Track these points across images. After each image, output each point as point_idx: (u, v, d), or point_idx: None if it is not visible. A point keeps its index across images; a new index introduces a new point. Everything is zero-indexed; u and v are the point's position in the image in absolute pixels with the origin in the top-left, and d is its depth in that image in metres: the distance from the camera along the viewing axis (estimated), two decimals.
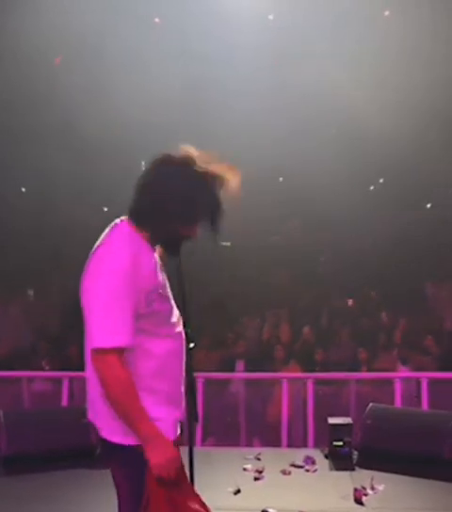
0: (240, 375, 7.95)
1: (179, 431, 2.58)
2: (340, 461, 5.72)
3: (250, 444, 7.08)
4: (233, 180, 2.61)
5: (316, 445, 6.45)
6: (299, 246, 13.12)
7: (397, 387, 6.74)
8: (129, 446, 2.44)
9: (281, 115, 12.24)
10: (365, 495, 4.94)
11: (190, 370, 2.67)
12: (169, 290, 2.57)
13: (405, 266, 11.95)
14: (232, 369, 8.23)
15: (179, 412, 2.57)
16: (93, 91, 11.11)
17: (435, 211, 13.27)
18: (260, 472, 5.53)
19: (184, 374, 2.61)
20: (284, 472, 5.57)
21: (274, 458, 5.89)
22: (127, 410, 2.39)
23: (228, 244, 13.47)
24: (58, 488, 5.28)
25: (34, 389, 7.41)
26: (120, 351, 2.37)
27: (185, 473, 2.63)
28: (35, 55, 10.98)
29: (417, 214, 13.57)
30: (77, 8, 10.92)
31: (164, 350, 2.50)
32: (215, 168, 2.55)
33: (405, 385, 6.96)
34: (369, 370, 7.85)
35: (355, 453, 5.81)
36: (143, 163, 2.57)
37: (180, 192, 2.45)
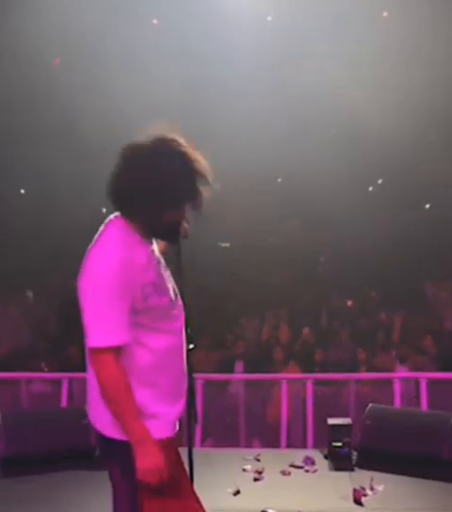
0: (239, 376, 7.95)
1: (177, 428, 2.58)
2: (339, 462, 5.71)
3: (249, 445, 7.08)
4: (203, 161, 2.55)
5: (316, 446, 6.44)
6: (299, 246, 13.12)
7: (397, 387, 6.74)
8: (128, 442, 2.43)
9: (280, 115, 12.23)
10: (365, 495, 4.95)
11: (190, 371, 2.68)
12: (168, 283, 2.57)
13: (405, 267, 11.95)
14: (231, 370, 8.23)
15: (178, 408, 2.57)
16: (93, 91, 11.11)
17: (435, 211, 13.26)
18: (259, 473, 5.53)
19: (184, 369, 2.62)
20: (284, 473, 5.57)
21: (274, 459, 5.89)
22: (120, 410, 2.39)
23: (227, 244, 13.49)
24: (58, 489, 5.28)
25: (33, 390, 7.40)
26: (115, 350, 2.38)
27: (184, 472, 2.63)
28: (34, 55, 10.98)
29: (417, 214, 13.57)
30: (77, 9, 10.92)
31: (163, 345, 2.50)
32: (187, 147, 2.51)
33: (404, 385, 6.95)
34: (368, 370, 7.85)
35: (354, 453, 5.81)
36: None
37: (159, 177, 2.41)
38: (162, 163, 2.42)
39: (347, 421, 5.94)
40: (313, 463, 5.74)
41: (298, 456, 5.90)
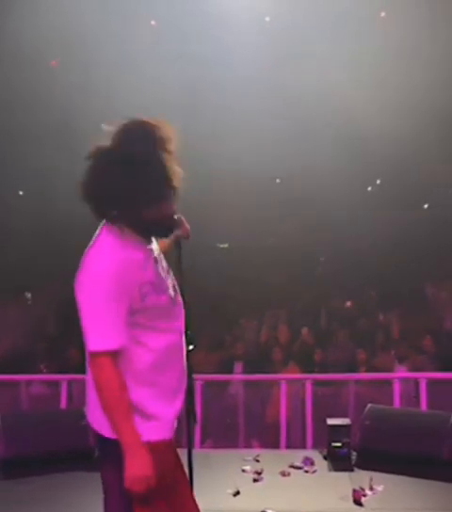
0: (239, 376, 7.95)
1: (175, 427, 2.58)
2: (339, 462, 5.71)
3: (248, 446, 7.07)
4: (170, 130, 2.52)
5: (315, 446, 6.44)
6: (298, 246, 13.13)
7: (396, 387, 6.73)
8: None
9: (280, 116, 12.23)
10: (364, 496, 4.94)
11: (190, 371, 2.68)
12: (168, 280, 2.56)
13: (404, 267, 11.96)
14: (230, 371, 8.23)
15: (177, 407, 2.57)
16: (91, 92, 11.11)
17: (435, 211, 13.28)
18: (259, 474, 5.52)
19: (184, 367, 2.61)
20: (283, 474, 5.56)
21: (273, 460, 5.88)
22: (114, 414, 2.39)
23: (226, 245, 13.50)
24: (57, 490, 5.27)
25: (32, 392, 7.40)
26: (112, 353, 2.38)
27: (183, 474, 2.63)
28: (33, 55, 10.97)
29: (417, 214, 13.59)
30: (75, 10, 10.91)
31: (163, 344, 2.50)
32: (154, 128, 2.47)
33: (404, 385, 6.96)
34: (368, 371, 7.85)
35: (354, 453, 5.80)
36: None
37: (126, 179, 2.37)
38: (128, 165, 2.38)
39: (346, 421, 5.93)
40: (312, 463, 5.73)
41: (297, 456, 5.89)
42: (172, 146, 2.49)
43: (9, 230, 12.17)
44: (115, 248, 2.41)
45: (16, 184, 13.29)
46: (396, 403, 6.66)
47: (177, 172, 2.47)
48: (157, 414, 2.49)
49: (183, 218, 2.88)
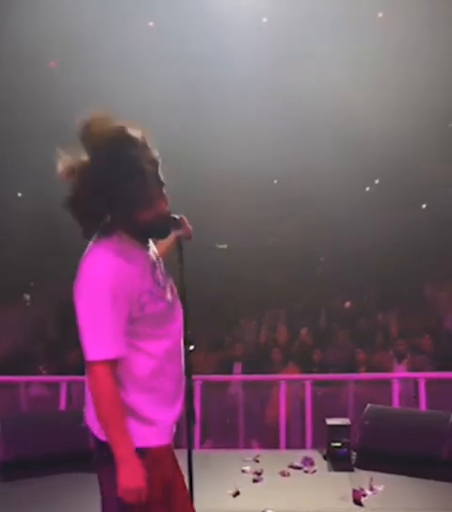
0: (238, 377, 7.95)
1: (174, 431, 2.57)
2: (338, 462, 5.71)
3: (248, 446, 7.07)
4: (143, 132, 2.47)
5: (315, 446, 6.44)
6: (298, 246, 13.14)
7: (395, 387, 6.74)
8: None
9: (279, 116, 12.23)
10: (364, 496, 4.94)
11: (189, 372, 2.67)
12: (165, 285, 2.55)
13: (404, 267, 11.97)
14: (230, 371, 8.24)
15: (176, 411, 2.56)
16: (90, 93, 11.10)
17: (435, 211, 13.28)
18: (259, 474, 5.53)
19: (182, 371, 2.61)
20: (283, 474, 5.57)
21: (273, 460, 5.88)
22: (109, 425, 2.39)
23: (225, 246, 13.49)
24: (57, 492, 5.27)
25: (31, 393, 7.41)
26: (110, 363, 2.38)
27: (181, 478, 2.62)
28: (32, 56, 10.97)
29: (417, 214, 13.59)
30: (74, 11, 10.90)
31: (161, 349, 2.50)
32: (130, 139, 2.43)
33: (403, 385, 6.96)
34: (367, 371, 7.85)
35: (353, 454, 5.81)
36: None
37: (124, 182, 2.35)
38: (119, 166, 2.36)
39: (345, 421, 5.94)
40: (312, 464, 5.74)
41: (297, 456, 5.89)
42: (150, 144, 2.46)
43: (9, 230, 12.16)
44: (113, 255, 2.39)
45: (16, 184, 13.29)
46: (396, 403, 6.66)
47: (159, 168, 2.46)
48: (157, 420, 2.49)
49: (185, 219, 2.87)
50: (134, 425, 2.45)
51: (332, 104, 11.50)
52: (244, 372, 8.16)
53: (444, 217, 12.42)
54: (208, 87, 11.82)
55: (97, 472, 2.53)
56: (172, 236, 2.81)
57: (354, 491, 4.94)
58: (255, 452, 6.33)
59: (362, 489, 5.00)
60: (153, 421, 2.48)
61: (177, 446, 2.65)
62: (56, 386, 7.12)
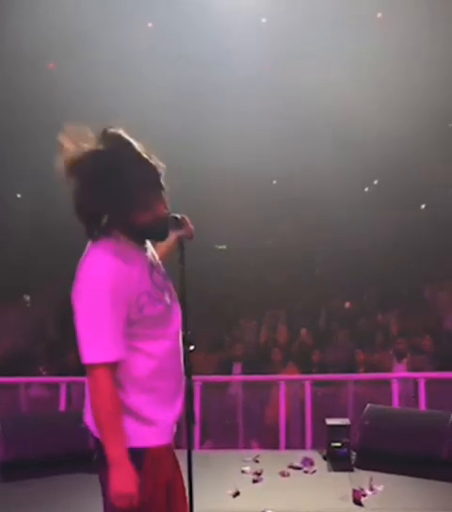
0: (238, 377, 7.95)
1: (175, 431, 2.58)
2: (338, 462, 5.72)
3: (248, 447, 7.07)
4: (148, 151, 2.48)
5: (315, 447, 6.44)
6: (298, 246, 13.14)
7: (395, 387, 6.74)
8: None
9: (280, 116, 12.23)
10: (364, 496, 4.94)
11: (189, 372, 2.67)
12: (163, 286, 2.54)
13: (404, 267, 11.97)
14: (229, 372, 8.24)
15: (176, 411, 2.56)
16: (89, 93, 11.11)
17: (435, 211, 13.28)
18: (258, 475, 5.53)
19: (182, 371, 2.61)
20: (283, 474, 5.57)
21: (272, 460, 5.88)
22: (104, 428, 2.39)
23: (224, 246, 13.50)
24: (57, 492, 5.28)
25: (31, 394, 7.41)
26: (110, 366, 2.37)
27: (180, 479, 2.62)
28: (32, 56, 10.97)
29: (417, 214, 13.60)
30: (73, 11, 10.91)
31: (161, 350, 2.50)
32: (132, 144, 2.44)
33: (403, 385, 6.96)
34: (367, 371, 7.85)
35: (353, 454, 5.81)
36: None
37: (121, 183, 2.36)
38: (117, 167, 2.37)
39: (345, 421, 5.94)
40: (312, 464, 5.74)
41: (296, 456, 5.90)
42: (149, 149, 2.48)
43: (9, 230, 12.17)
44: (112, 257, 2.39)
45: (16, 184, 13.29)
46: (395, 403, 6.66)
47: (162, 171, 2.47)
48: (157, 420, 2.49)
49: (187, 219, 2.86)
50: (133, 426, 2.45)
51: (332, 104, 11.49)
52: (244, 372, 8.16)
53: (444, 217, 12.43)
54: (208, 87, 11.82)
55: (98, 472, 2.53)
56: (174, 236, 2.80)
57: (354, 491, 4.94)
58: (255, 452, 6.33)
59: (361, 489, 5.00)
60: (153, 421, 2.48)
61: (177, 446, 2.65)
62: (55, 387, 7.12)
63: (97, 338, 2.35)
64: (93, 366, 2.37)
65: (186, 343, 2.66)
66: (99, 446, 2.48)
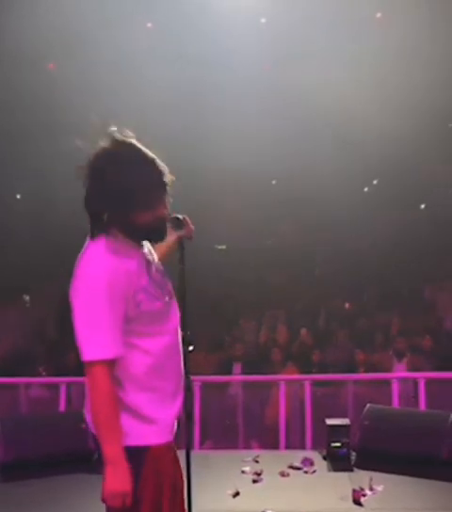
0: (238, 377, 7.95)
1: (175, 429, 2.57)
2: (338, 462, 5.72)
3: (248, 447, 7.07)
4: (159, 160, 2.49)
5: (314, 447, 6.45)
6: (298, 246, 13.14)
7: (395, 387, 6.74)
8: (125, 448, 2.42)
9: (280, 116, 12.23)
10: (364, 496, 4.94)
11: (187, 372, 2.67)
12: (161, 284, 2.54)
13: (405, 267, 11.98)
14: (229, 372, 8.24)
15: (176, 409, 2.56)
16: (89, 94, 11.11)
17: (435, 211, 13.29)
18: (258, 475, 5.53)
19: (181, 369, 2.61)
20: (283, 474, 5.57)
21: (272, 460, 5.88)
22: (101, 425, 2.39)
23: (223, 246, 13.50)
24: (57, 493, 5.28)
25: (31, 395, 7.41)
26: (108, 363, 2.37)
27: (181, 478, 2.62)
28: (32, 56, 10.98)
29: (417, 214, 13.60)
30: (73, 12, 10.91)
31: (159, 347, 2.49)
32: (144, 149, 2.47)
33: (402, 385, 6.97)
34: (367, 371, 7.86)
35: (353, 454, 5.81)
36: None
37: (117, 181, 2.38)
38: (126, 165, 2.39)
39: (345, 421, 5.94)
40: (311, 464, 5.74)
41: (296, 457, 5.90)
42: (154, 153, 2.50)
43: (9, 230, 12.17)
44: (109, 254, 2.39)
45: (15, 185, 13.29)
46: (395, 403, 6.66)
47: (167, 174, 2.48)
48: (157, 418, 2.48)
49: (187, 219, 2.87)
50: (133, 424, 2.45)
51: (332, 104, 11.50)
52: (243, 372, 8.16)
53: (444, 217, 12.43)
54: (208, 87, 11.82)
55: (101, 472, 2.52)
56: (174, 236, 2.81)
57: (354, 491, 4.94)
58: (255, 452, 6.34)
59: (361, 489, 4.99)
60: (153, 419, 2.48)
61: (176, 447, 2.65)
62: (55, 387, 7.12)
63: (95, 335, 2.35)
64: (91, 363, 2.36)
65: (186, 343, 2.66)
66: (99, 446, 2.48)
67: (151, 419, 2.47)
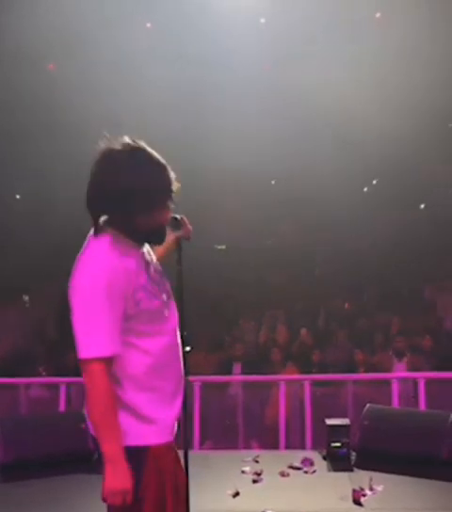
0: (238, 377, 7.95)
1: (176, 428, 2.57)
2: (338, 462, 5.72)
3: (248, 447, 7.07)
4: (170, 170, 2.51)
5: (314, 447, 6.45)
6: (298, 246, 13.14)
7: (395, 387, 6.74)
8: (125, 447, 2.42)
9: (280, 116, 12.24)
10: (364, 496, 4.94)
11: (185, 373, 2.67)
12: (160, 284, 2.55)
13: (405, 267, 11.98)
14: (229, 372, 8.24)
15: (176, 410, 2.56)
16: (88, 94, 11.11)
17: (435, 211, 13.29)
18: (258, 475, 5.53)
19: (181, 369, 2.60)
20: (283, 474, 5.57)
21: (272, 460, 5.88)
22: (99, 424, 2.38)
23: (223, 246, 13.50)
24: (57, 493, 5.27)
25: (31, 395, 7.41)
26: (105, 361, 2.36)
27: (182, 477, 2.62)
28: (32, 56, 10.98)
29: (417, 214, 13.60)
30: (73, 12, 10.91)
31: (158, 347, 2.49)
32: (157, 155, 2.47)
33: (402, 385, 6.97)
34: (367, 371, 7.86)
35: (353, 454, 5.81)
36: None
37: (129, 181, 2.38)
38: (132, 167, 2.39)
39: (345, 421, 5.94)
40: (311, 464, 5.74)
41: (296, 457, 5.90)
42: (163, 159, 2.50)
43: (9, 230, 12.17)
44: (109, 253, 2.40)
45: (15, 185, 13.29)
46: (395, 403, 6.67)
47: (175, 181, 2.49)
48: (157, 418, 2.48)
49: (185, 219, 2.87)
50: (132, 423, 2.45)
51: (332, 104, 11.50)
52: (243, 372, 8.16)
53: (444, 217, 12.44)
54: (208, 87, 11.82)
55: (101, 472, 2.52)
56: (172, 237, 2.81)
57: (354, 491, 4.94)
58: (255, 452, 6.34)
59: (361, 489, 5.00)
60: (153, 419, 2.48)
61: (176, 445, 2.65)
62: (55, 387, 7.13)
63: (92, 333, 2.35)
64: (88, 361, 2.36)
65: (183, 343, 2.66)
66: (99, 447, 2.48)
67: (150, 419, 2.47)
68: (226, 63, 11.57)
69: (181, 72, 11.52)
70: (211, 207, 12.77)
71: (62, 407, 6.92)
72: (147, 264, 2.52)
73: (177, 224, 2.79)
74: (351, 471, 5.57)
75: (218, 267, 12.52)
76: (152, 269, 2.54)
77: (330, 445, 5.82)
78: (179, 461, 2.61)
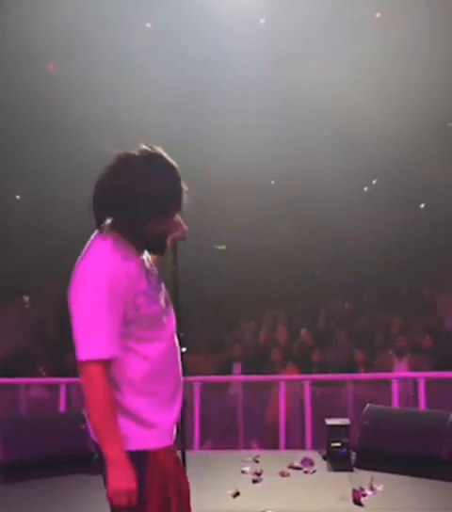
0: (238, 377, 7.95)
1: (175, 432, 2.57)
2: (338, 462, 5.72)
3: (248, 447, 7.07)
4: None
5: (314, 447, 6.45)
6: (298, 246, 13.14)
7: (395, 387, 6.74)
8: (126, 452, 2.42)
9: (280, 116, 12.24)
10: (364, 496, 4.94)
11: (183, 373, 2.67)
12: (159, 291, 2.55)
13: (405, 267, 11.98)
14: (229, 372, 8.24)
15: (175, 414, 2.55)
16: (89, 94, 11.12)
17: (435, 211, 13.29)
18: (258, 475, 5.53)
19: (180, 372, 2.60)
20: (283, 474, 5.57)
21: (272, 460, 5.88)
22: (100, 426, 2.38)
23: (223, 247, 13.50)
24: (57, 493, 5.27)
25: (31, 395, 7.41)
26: (103, 363, 2.36)
27: (184, 479, 2.62)
28: (32, 56, 10.98)
29: (417, 214, 13.61)
30: (73, 12, 10.91)
31: (156, 352, 2.49)
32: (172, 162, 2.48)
33: (402, 385, 6.97)
34: (367, 371, 7.86)
35: (353, 454, 5.81)
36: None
37: (142, 190, 2.37)
38: (149, 173, 2.39)
39: (345, 421, 5.94)
40: (311, 464, 5.74)
41: (296, 457, 5.90)
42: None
43: (9, 230, 12.17)
44: (112, 255, 2.39)
45: (15, 185, 13.29)
46: (395, 403, 6.66)
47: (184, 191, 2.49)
48: (157, 423, 2.48)
49: (180, 219, 2.87)
50: (133, 428, 2.44)
51: (332, 104, 11.50)
52: (243, 372, 8.16)
53: (444, 217, 12.44)
54: (208, 87, 11.82)
55: (102, 473, 2.52)
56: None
57: (354, 491, 4.94)
58: (255, 452, 6.33)
59: (361, 489, 5.00)
60: (153, 424, 2.47)
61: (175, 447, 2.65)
62: (55, 388, 7.12)
63: (91, 333, 2.34)
64: (86, 363, 2.35)
65: (180, 344, 2.66)
66: (99, 449, 2.48)
67: (150, 423, 2.46)
68: (226, 63, 11.57)
69: (181, 72, 11.51)
70: (211, 207, 12.76)
71: (62, 407, 6.91)
72: (147, 270, 2.52)
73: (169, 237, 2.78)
74: (351, 471, 5.57)
75: (218, 267, 12.53)
76: (151, 275, 2.54)
77: (330, 445, 5.81)
78: (180, 464, 2.61)
